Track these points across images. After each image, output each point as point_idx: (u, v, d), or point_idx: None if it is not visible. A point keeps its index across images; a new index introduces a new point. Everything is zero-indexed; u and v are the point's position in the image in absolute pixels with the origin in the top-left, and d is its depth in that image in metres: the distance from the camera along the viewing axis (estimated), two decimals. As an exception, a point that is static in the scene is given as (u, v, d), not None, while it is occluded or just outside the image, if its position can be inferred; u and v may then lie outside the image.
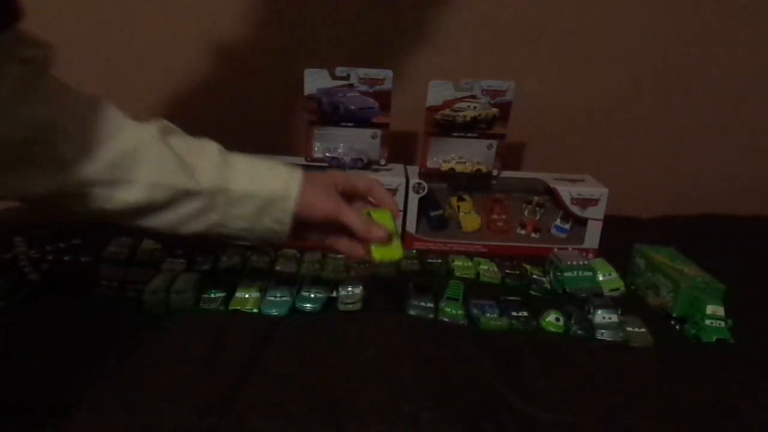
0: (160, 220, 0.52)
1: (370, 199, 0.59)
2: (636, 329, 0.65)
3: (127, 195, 0.49)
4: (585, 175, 0.90)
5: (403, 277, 0.74)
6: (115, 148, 0.48)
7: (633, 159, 1.06)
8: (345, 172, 0.61)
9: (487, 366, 0.56)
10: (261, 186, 0.52)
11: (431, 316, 0.65)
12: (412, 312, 0.65)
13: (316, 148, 0.86)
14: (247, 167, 0.53)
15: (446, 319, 0.65)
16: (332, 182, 0.56)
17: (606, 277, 0.76)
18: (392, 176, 0.84)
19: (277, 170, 0.53)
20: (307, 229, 0.57)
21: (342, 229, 0.56)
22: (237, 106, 1.00)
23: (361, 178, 0.59)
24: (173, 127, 0.53)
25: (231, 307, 0.65)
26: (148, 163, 0.49)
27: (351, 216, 0.54)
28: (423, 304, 0.66)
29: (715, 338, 0.63)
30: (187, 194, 0.50)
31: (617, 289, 0.75)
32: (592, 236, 0.86)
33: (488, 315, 0.65)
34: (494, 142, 0.86)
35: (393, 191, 0.83)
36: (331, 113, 0.84)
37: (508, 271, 0.78)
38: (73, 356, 0.55)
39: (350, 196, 0.58)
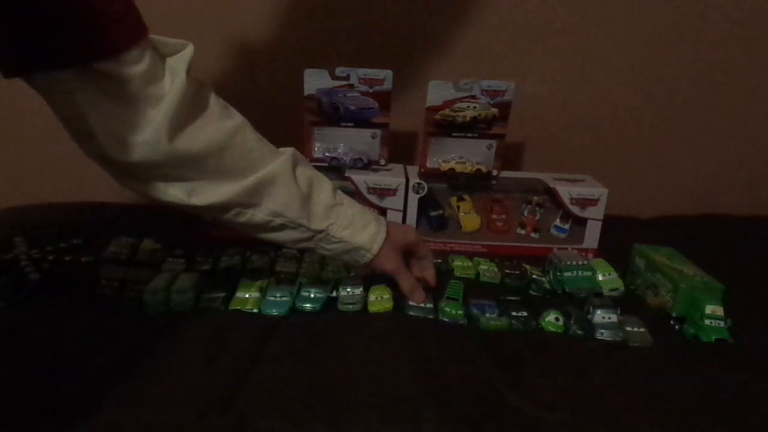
0: (266, 235, 0.61)
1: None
2: (635, 329, 0.65)
3: (254, 216, 0.58)
4: (584, 175, 0.90)
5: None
6: (257, 176, 0.56)
7: (633, 159, 1.06)
8: (417, 237, 0.68)
9: (487, 366, 0.56)
10: (353, 237, 0.62)
11: (431, 316, 0.65)
12: (411, 312, 0.65)
13: (316, 148, 0.86)
14: (348, 214, 0.62)
15: (446, 319, 0.65)
16: (404, 244, 0.67)
17: (605, 277, 0.76)
18: (392, 176, 0.84)
19: (370, 224, 0.63)
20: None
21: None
22: (237, 106, 1.00)
23: (422, 246, 0.70)
24: (301, 156, 0.62)
25: (231, 307, 0.65)
26: (277, 194, 0.57)
27: (403, 279, 0.67)
28: (422, 304, 0.67)
29: (714, 338, 0.63)
30: (298, 226, 0.59)
31: (616, 289, 0.75)
32: (592, 236, 0.86)
33: (488, 315, 0.65)
34: (494, 142, 0.86)
35: (393, 191, 0.83)
36: (331, 113, 0.84)
37: (507, 271, 0.78)
38: (73, 356, 0.55)
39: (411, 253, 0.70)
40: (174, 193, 0.54)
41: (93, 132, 0.48)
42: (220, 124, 0.54)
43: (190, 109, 0.52)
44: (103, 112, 0.47)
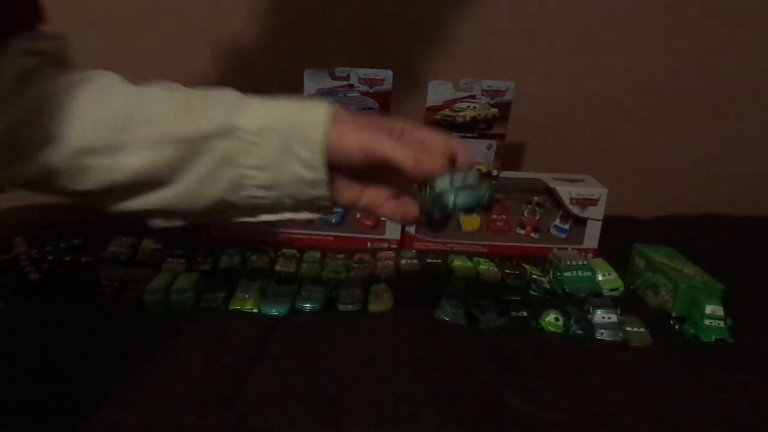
0: (175, 194, 0.43)
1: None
2: (635, 329, 0.65)
3: (128, 161, 0.42)
4: (584, 175, 0.90)
5: (403, 277, 0.74)
6: (104, 110, 0.42)
7: (632, 159, 1.06)
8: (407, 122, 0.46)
9: (486, 366, 0.56)
10: (279, 118, 0.42)
11: (462, 321, 0.65)
12: (445, 318, 0.65)
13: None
14: (266, 103, 0.43)
15: (446, 319, 0.65)
16: (383, 125, 0.44)
17: (605, 277, 0.76)
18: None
19: (303, 103, 0.43)
20: (348, 181, 0.45)
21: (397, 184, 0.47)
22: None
23: (431, 133, 0.46)
24: (178, 85, 0.46)
25: (231, 307, 0.65)
26: (145, 118, 0.42)
27: (391, 146, 0.42)
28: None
29: (714, 338, 0.63)
30: (193, 146, 0.42)
31: (616, 288, 0.75)
32: (592, 236, 0.86)
33: (488, 315, 0.65)
34: (494, 142, 0.86)
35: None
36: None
37: (507, 271, 0.78)
38: (73, 356, 0.55)
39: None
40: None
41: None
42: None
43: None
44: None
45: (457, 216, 0.42)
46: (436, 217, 0.44)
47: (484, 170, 0.86)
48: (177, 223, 0.48)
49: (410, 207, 0.46)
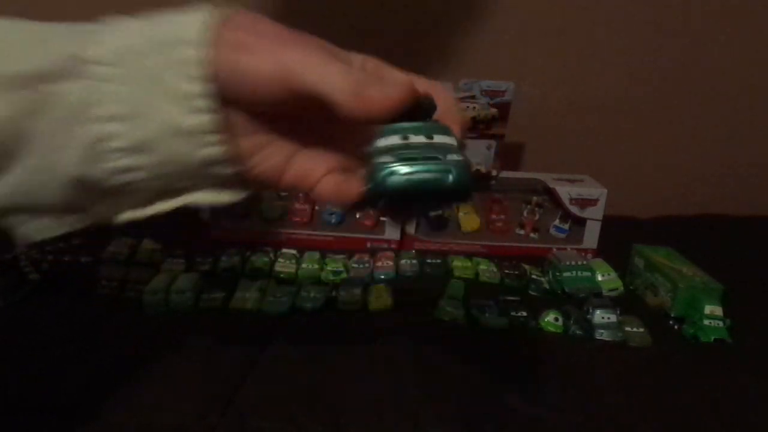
0: (17, 180, 0.29)
1: None
2: (635, 329, 0.65)
3: None
4: (584, 176, 0.90)
5: (403, 277, 0.74)
6: None
7: (632, 159, 1.06)
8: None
9: (486, 366, 0.56)
10: (142, 33, 0.28)
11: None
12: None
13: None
14: (135, 20, 0.29)
15: (446, 319, 0.65)
16: (325, 47, 0.30)
17: (605, 277, 0.77)
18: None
19: (185, 10, 0.28)
20: (266, 138, 0.31)
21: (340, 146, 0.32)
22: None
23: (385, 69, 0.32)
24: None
25: (231, 307, 0.65)
26: None
27: (324, 70, 0.27)
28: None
29: (713, 338, 0.63)
30: (32, 96, 0.27)
31: (616, 289, 0.75)
32: (591, 236, 0.86)
33: (488, 315, 0.65)
34: (493, 143, 0.86)
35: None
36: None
37: (507, 271, 0.78)
38: (72, 356, 0.55)
39: None
40: None
41: None
42: None
43: None
44: None
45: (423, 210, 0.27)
46: (376, 205, 0.28)
47: (484, 170, 0.86)
48: (48, 232, 0.32)
49: (350, 183, 0.30)
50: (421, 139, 0.26)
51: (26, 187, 0.29)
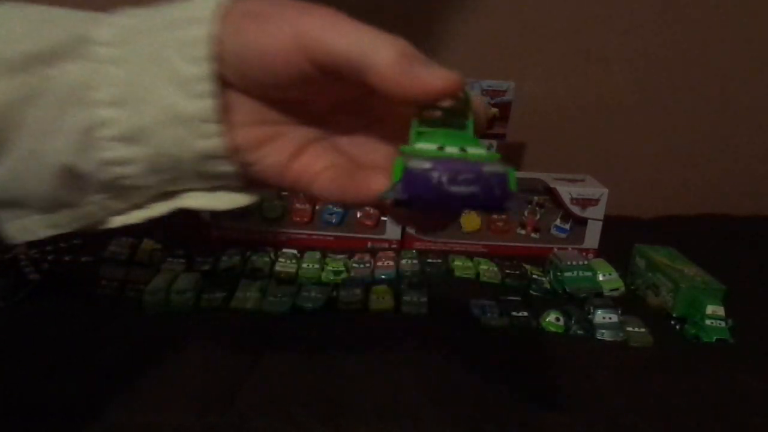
0: (6, 169, 0.28)
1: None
2: (636, 329, 0.65)
3: None
4: (585, 175, 0.90)
5: (403, 277, 0.74)
6: None
7: (633, 159, 1.06)
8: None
9: (487, 366, 0.56)
10: (149, 16, 0.27)
11: (424, 311, 0.65)
12: (404, 308, 0.65)
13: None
14: (139, 8, 0.28)
15: (446, 318, 0.64)
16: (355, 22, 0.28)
17: (606, 277, 0.76)
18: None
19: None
20: (274, 129, 0.28)
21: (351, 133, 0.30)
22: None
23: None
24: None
25: (231, 307, 0.65)
26: None
27: (361, 37, 0.26)
28: (417, 299, 0.67)
29: (715, 338, 0.63)
30: (30, 77, 0.26)
31: (617, 289, 0.75)
32: (592, 236, 0.86)
33: (488, 315, 0.65)
34: (494, 142, 0.86)
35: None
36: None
37: (508, 271, 0.78)
38: (73, 356, 0.55)
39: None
40: None
41: None
42: None
43: None
44: None
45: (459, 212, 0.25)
46: (409, 204, 0.24)
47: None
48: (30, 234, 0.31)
49: (373, 178, 0.27)
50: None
51: (15, 175, 0.28)
